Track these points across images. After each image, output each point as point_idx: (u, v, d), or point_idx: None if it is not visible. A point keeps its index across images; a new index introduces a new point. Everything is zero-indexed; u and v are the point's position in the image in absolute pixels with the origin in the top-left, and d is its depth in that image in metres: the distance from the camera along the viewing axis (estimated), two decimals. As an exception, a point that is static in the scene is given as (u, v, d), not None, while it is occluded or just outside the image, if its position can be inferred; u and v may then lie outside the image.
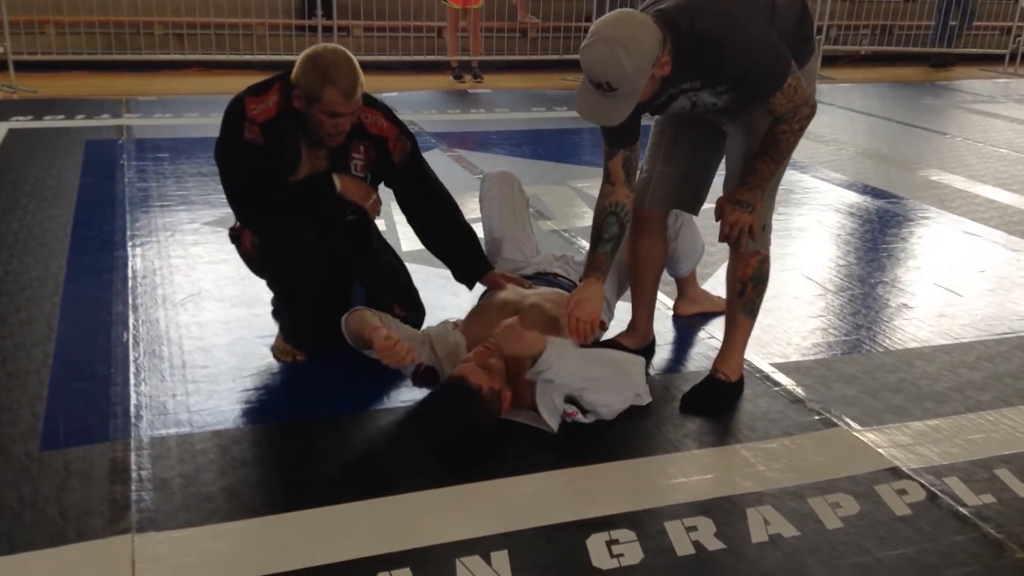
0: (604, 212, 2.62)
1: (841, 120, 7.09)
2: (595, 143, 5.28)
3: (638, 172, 2.75)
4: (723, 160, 2.75)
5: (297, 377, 2.79)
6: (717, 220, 2.57)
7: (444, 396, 2.42)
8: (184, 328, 3.07)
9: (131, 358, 2.83)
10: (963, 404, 2.75)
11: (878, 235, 4.38)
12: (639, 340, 3.02)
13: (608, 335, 3.04)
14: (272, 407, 2.61)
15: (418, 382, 2.66)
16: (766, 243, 2.66)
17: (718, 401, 2.72)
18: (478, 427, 2.37)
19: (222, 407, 2.58)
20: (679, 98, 2.46)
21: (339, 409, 2.60)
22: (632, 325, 3.04)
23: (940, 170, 5.62)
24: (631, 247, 2.92)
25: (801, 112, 2.40)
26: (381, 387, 2.73)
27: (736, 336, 2.76)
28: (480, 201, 3.40)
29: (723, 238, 2.57)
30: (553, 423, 2.50)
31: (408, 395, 2.68)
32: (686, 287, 3.37)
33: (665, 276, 3.11)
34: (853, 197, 4.98)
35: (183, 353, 2.89)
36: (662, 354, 3.05)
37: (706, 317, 3.31)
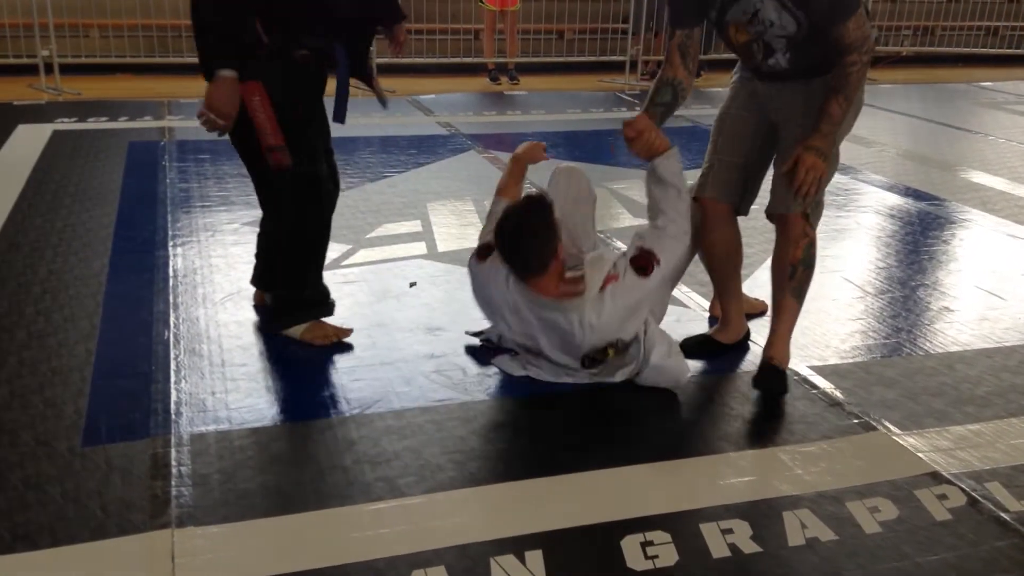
0: (660, 83, 2.75)
1: (882, 122, 7.00)
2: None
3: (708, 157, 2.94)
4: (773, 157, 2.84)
5: (334, 375, 2.81)
6: (787, 172, 2.63)
7: (527, 199, 2.70)
8: (224, 327, 3.11)
9: (171, 356, 2.87)
10: (1005, 409, 2.70)
11: (919, 237, 4.33)
12: (733, 335, 3.06)
13: (696, 331, 3.11)
14: (310, 405, 2.63)
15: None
16: (816, 223, 2.75)
17: (785, 384, 2.77)
18: (543, 229, 2.57)
19: (260, 405, 2.61)
20: None
21: (376, 407, 2.62)
22: (724, 320, 3.07)
23: (983, 172, 5.54)
24: (705, 243, 2.95)
25: (868, 43, 2.49)
26: (418, 387, 2.74)
27: (786, 320, 2.82)
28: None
29: (796, 187, 2.60)
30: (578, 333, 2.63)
31: (444, 394, 2.69)
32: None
33: (701, 275, 3.08)
34: (894, 199, 4.92)
35: (223, 351, 2.92)
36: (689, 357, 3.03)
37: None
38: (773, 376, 2.79)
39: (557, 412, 2.63)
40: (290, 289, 3.01)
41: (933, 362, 3.00)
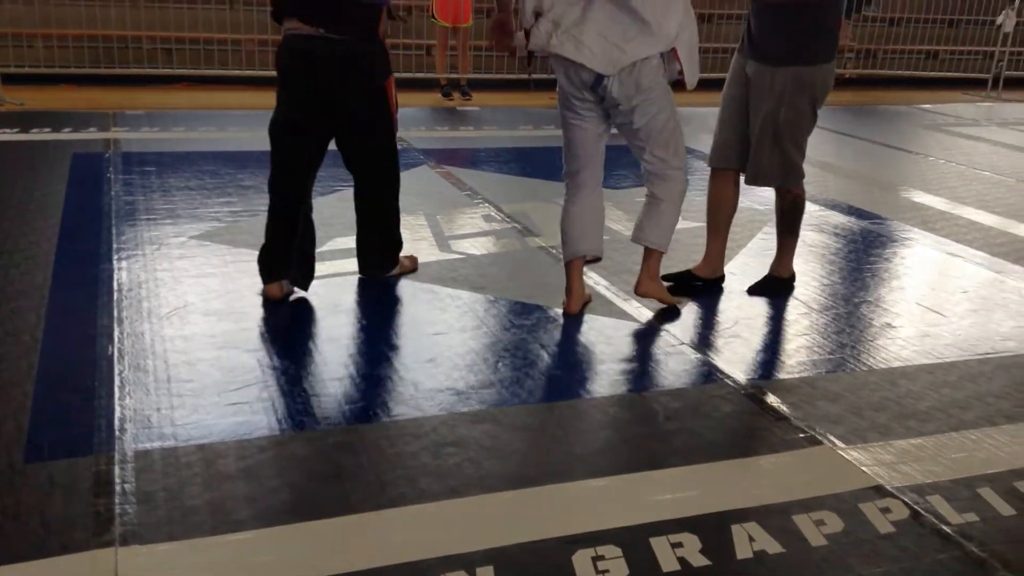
0: None
1: (827, 143, 7.14)
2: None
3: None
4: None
5: (284, 391, 2.78)
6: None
7: None
8: (169, 342, 3.06)
9: (116, 371, 2.82)
10: (946, 423, 2.76)
11: (862, 255, 4.42)
12: (710, 271, 3.79)
13: (681, 267, 3.82)
14: (258, 421, 2.60)
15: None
16: (799, 182, 3.61)
17: (778, 289, 3.72)
18: None
19: (207, 421, 2.57)
20: None
21: (327, 423, 2.60)
22: (706, 257, 3.80)
23: (924, 192, 5.68)
24: (708, 193, 3.80)
25: None
26: (370, 403, 2.73)
27: (785, 247, 3.75)
28: None
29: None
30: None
31: (397, 410, 2.68)
32: (650, 262, 3.48)
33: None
34: (838, 218, 5.02)
35: (168, 367, 2.88)
36: (643, 372, 3.06)
37: (684, 332, 3.33)
38: (774, 282, 3.75)
39: (507, 428, 2.63)
40: (397, 235, 3.71)
41: (876, 377, 3.06)
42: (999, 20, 10.23)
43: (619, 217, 4.61)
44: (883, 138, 7.62)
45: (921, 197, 5.55)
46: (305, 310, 3.41)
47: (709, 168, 3.80)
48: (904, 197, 5.56)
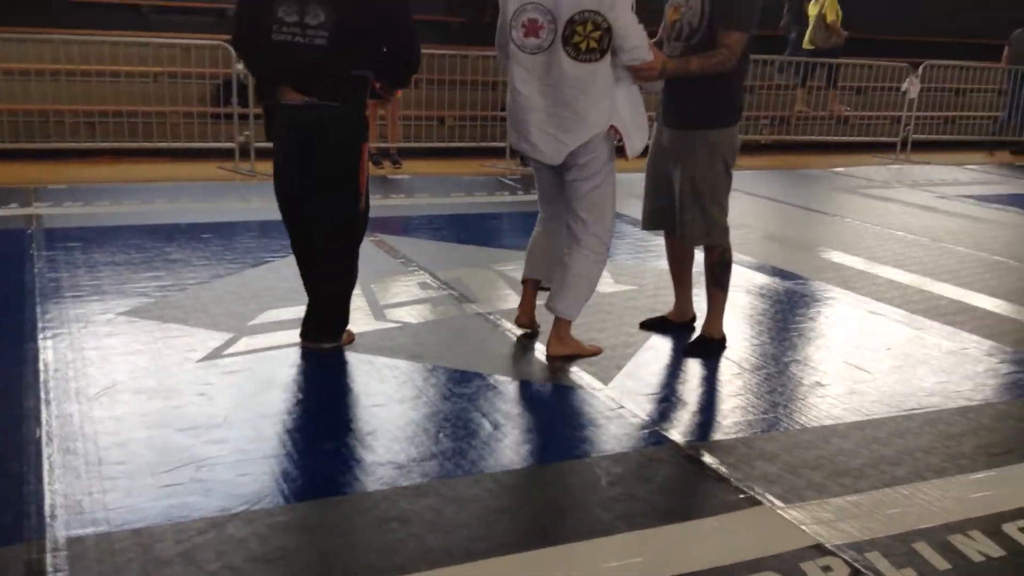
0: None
1: (747, 205, 7.35)
2: (514, 227, 5.36)
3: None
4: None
5: (219, 470, 2.72)
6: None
7: None
8: (99, 423, 2.98)
9: (44, 455, 2.73)
10: (879, 479, 2.83)
11: (788, 315, 4.54)
12: (680, 315, 4.15)
13: (655, 314, 4.19)
14: (195, 503, 2.53)
15: None
16: (723, 239, 3.79)
17: (710, 351, 3.85)
18: None
19: (141, 504, 2.50)
20: None
21: (265, 503, 2.54)
22: (676, 304, 4.16)
23: (843, 252, 5.87)
24: (665, 249, 4.14)
25: (733, 56, 3.53)
26: (309, 480, 2.69)
27: (714, 307, 3.90)
28: None
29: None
30: None
31: (337, 486, 2.64)
32: (533, 298, 3.94)
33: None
34: (763, 278, 5.16)
35: (99, 449, 2.80)
36: (583, 437, 3.08)
37: (622, 395, 3.36)
38: (706, 344, 3.88)
39: (450, 501, 2.61)
40: (346, 306, 3.79)
41: (810, 436, 3.13)
42: (904, 87, 10.73)
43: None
44: (801, 200, 7.88)
45: (840, 257, 5.74)
46: (239, 385, 3.35)
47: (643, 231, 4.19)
48: (824, 257, 5.74)
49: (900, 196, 8.26)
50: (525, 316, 3.99)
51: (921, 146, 11.13)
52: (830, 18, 10.78)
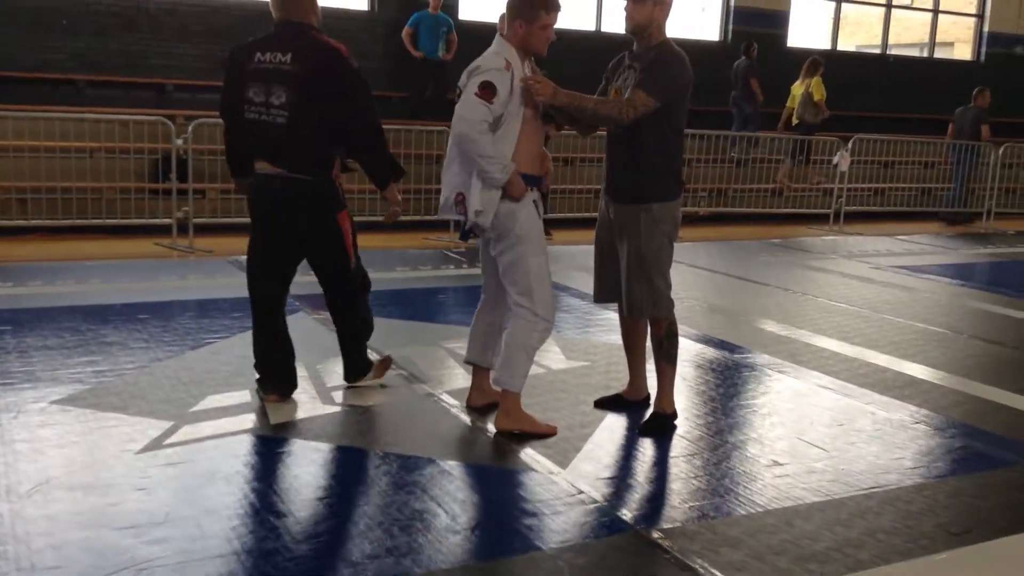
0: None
1: (688, 277, 7.40)
2: (460, 302, 5.28)
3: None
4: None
5: (160, 572, 2.56)
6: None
7: None
8: (32, 523, 2.80)
9: (-30, 562, 2.55)
10: (844, 564, 2.79)
11: (739, 390, 4.54)
12: (635, 394, 4.13)
13: (610, 391, 4.19)
14: (135, 611, 2.38)
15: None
16: (669, 310, 3.82)
17: (665, 427, 3.86)
18: None
19: (77, 614, 2.33)
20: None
21: (211, 608, 2.40)
22: (631, 382, 4.15)
23: (787, 324, 5.91)
24: (620, 323, 4.09)
25: (630, 114, 3.59)
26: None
27: (664, 381, 3.89)
28: None
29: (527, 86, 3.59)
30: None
31: (287, 587, 2.51)
32: (482, 380, 3.98)
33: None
34: (711, 352, 5.16)
35: (31, 552, 2.62)
36: (544, 526, 2.98)
37: (581, 480, 3.29)
38: (660, 421, 3.86)
39: (410, 599, 2.50)
40: (363, 346, 4.24)
41: (772, 519, 3.09)
42: (835, 160, 11.05)
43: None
44: (742, 272, 7.97)
45: (785, 330, 5.78)
46: (180, 477, 3.20)
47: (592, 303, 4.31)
48: (769, 330, 5.77)
49: (837, 267, 8.42)
50: (477, 398, 3.97)
51: (853, 217, 11.43)
52: (817, 96, 11.32)
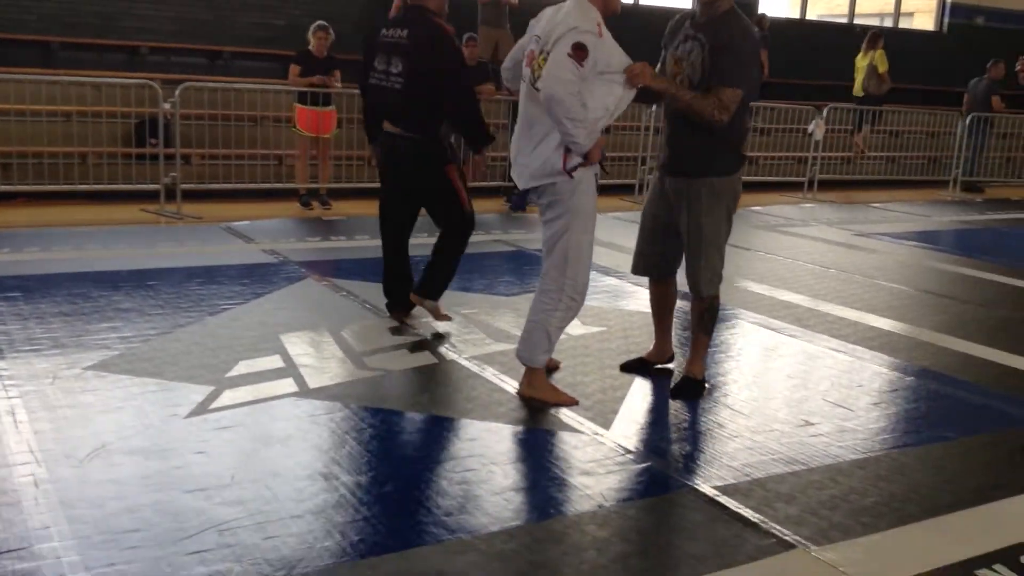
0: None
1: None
2: (463, 268, 5.30)
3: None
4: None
5: (243, 535, 2.59)
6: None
7: None
8: (100, 486, 2.81)
9: (47, 521, 2.55)
10: (897, 517, 2.92)
11: (756, 353, 4.65)
12: (659, 357, 4.20)
13: (635, 355, 4.25)
14: (226, 570, 2.41)
15: None
16: (715, 289, 3.86)
17: (695, 392, 3.91)
18: None
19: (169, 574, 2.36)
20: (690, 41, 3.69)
21: (302, 567, 2.44)
22: (656, 345, 4.20)
23: (786, 290, 6.03)
24: (649, 291, 4.16)
25: (724, 114, 3.57)
26: (342, 541, 2.59)
27: (699, 349, 3.96)
28: None
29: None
30: None
31: (369, 546, 2.55)
32: (527, 372, 3.84)
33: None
34: (722, 316, 5.25)
35: (107, 516, 2.64)
36: (602, 485, 3.06)
37: (626, 440, 3.37)
38: (691, 385, 3.92)
39: (488, 556, 2.56)
40: (450, 275, 4.71)
41: (817, 475, 3.20)
42: (810, 129, 11.21)
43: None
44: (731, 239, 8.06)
45: (785, 295, 5.90)
46: (236, 441, 3.22)
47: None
48: (771, 295, 5.88)
49: (820, 234, 8.57)
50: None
51: (825, 185, 11.63)
52: (881, 68, 11.97)
